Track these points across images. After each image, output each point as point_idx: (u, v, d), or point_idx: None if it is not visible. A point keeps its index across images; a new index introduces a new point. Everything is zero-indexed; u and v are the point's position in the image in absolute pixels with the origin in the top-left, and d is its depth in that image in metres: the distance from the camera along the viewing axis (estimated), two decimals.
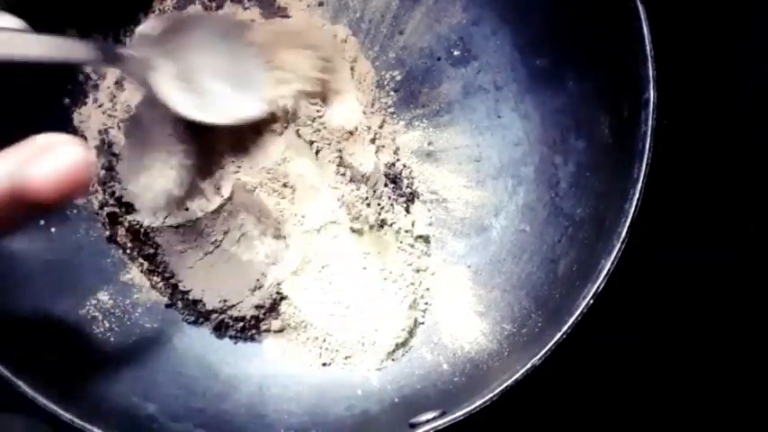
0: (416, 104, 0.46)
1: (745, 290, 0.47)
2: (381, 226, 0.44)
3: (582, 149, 0.41)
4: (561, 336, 0.33)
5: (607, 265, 0.34)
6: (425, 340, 0.43)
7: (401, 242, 0.44)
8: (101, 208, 0.42)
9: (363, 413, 0.40)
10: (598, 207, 0.39)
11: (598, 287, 0.34)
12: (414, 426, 0.34)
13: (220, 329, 0.42)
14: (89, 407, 0.33)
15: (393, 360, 0.42)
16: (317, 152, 0.43)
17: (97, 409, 0.34)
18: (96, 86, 0.44)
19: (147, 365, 0.40)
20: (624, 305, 0.42)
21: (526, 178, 0.44)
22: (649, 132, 0.35)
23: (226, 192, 0.42)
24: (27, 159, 0.23)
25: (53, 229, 0.41)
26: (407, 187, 0.45)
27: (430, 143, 0.46)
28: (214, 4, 0.45)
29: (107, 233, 0.43)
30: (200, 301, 0.42)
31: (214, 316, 0.42)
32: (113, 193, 0.42)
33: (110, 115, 0.43)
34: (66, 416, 0.32)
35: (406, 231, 0.44)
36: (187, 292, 0.42)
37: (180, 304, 0.43)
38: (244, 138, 0.42)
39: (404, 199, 0.45)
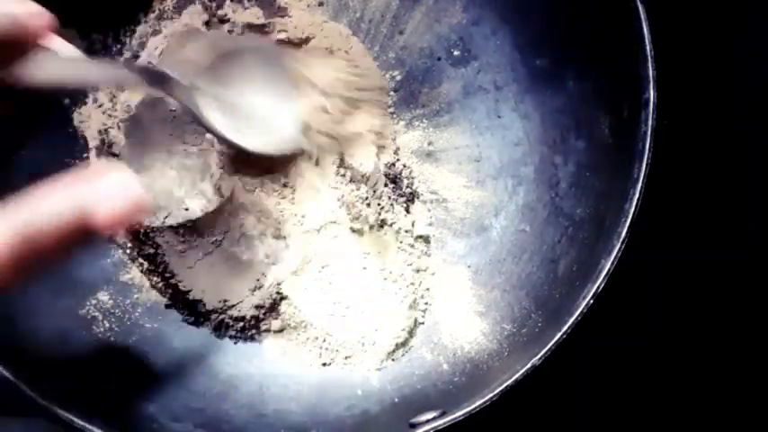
0: (416, 104, 0.46)
1: (745, 290, 0.47)
2: (381, 226, 0.44)
3: (582, 149, 0.41)
4: (561, 336, 0.33)
5: (607, 265, 0.34)
6: (425, 340, 0.43)
7: (401, 242, 0.44)
8: None
9: (363, 413, 0.40)
10: (598, 207, 0.39)
11: (598, 287, 0.34)
12: (414, 426, 0.34)
13: (220, 329, 0.42)
14: (89, 407, 0.33)
15: (393, 360, 0.42)
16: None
17: (97, 409, 0.34)
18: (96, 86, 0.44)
19: (148, 366, 0.40)
20: (624, 305, 0.42)
21: (526, 178, 0.44)
22: (649, 132, 0.35)
23: (226, 192, 0.42)
24: (93, 190, 0.25)
25: None
26: (407, 187, 0.45)
27: (430, 143, 0.46)
28: (214, 4, 0.45)
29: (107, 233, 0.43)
30: (200, 301, 0.42)
31: (214, 316, 0.42)
32: None
33: (110, 115, 0.43)
34: (67, 416, 0.32)
35: (406, 231, 0.44)
36: (187, 292, 0.42)
37: (180, 304, 0.43)
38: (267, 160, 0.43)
39: (404, 199, 0.45)
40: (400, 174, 0.45)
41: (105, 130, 0.43)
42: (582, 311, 0.33)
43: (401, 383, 0.41)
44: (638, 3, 0.35)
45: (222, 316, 0.42)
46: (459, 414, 0.32)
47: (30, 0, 0.29)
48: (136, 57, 0.44)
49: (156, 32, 0.44)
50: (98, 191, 0.25)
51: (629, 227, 0.34)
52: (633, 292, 0.42)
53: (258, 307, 0.42)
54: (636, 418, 0.47)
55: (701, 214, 0.47)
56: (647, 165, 0.35)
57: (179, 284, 0.42)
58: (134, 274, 0.43)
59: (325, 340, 0.42)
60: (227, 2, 0.45)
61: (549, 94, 0.43)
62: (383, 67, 0.46)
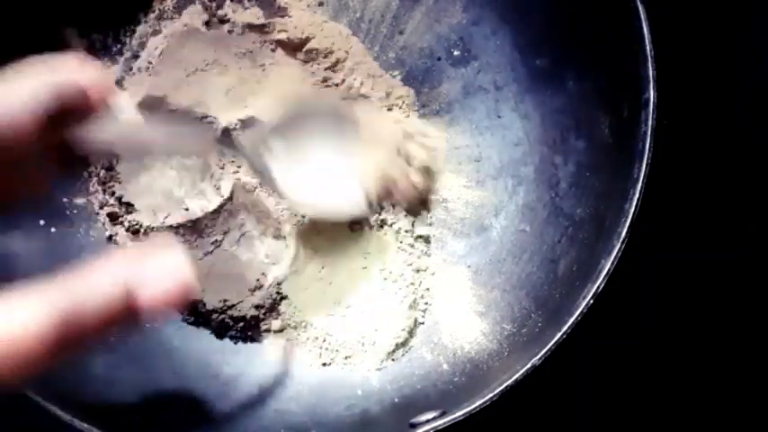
0: (416, 104, 0.46)
1: (745, 290, 0.47)
2: (381, 226, 0.44)
3: (582, 149, 0.41)
4: (561, 336, 0.33)
5: (607, 265, 0.34)
6: (425, 340, 0.43)
7: (401, 242, 0.44)
8: (101, 208, 0.42)
9: (363, 413, 0.40)
10: (598, 207, 0.39)
11: (598, 287, 0.34)
12: (414, 426, 0.34)
13: (220, 329, 0.42)
14: (89, 407, 0.33)
15: (393, 360, 0.42)
16: None
17: (97, 409, 0.34)
18: None
19: (147, 365, 0.40)
20: (624, 305, 0.42)
21: (526, 178, 0.44)
22: (649, 132, 0.35)
23: (226, 192, 0.42)
24: (142, 269, 0.24)
25: (53, 229, 0.41)
26: None
27: None
28: (214, 4, 0.45)
29: (107, 233, 0.43)
30: (200, 301, 0.42)
31: (214, 316, 0.42)
32: (113, 193, 0.42)
33: None
34: (67, 416, 0.32)
35: (406, 231, 0.44)
36: None
37: None
38: None
39: None
40: None
41: None
42: (582, 311, 0.33)
43: (401, 383, 0.41)
44: (638, 3, 0.35)
45: (222, 316, 0.42)
46: (459, 414, 0.32)
47: (92, 63, 0.28)
48: (136, 57, 0.44)
49: (156, 32, 0.44)
50: (147, 270, 0.24)
51: (629, 227, 0.34)
52: (633, 292, 0.42)
53: (258, 307, 0.42)
54: (636, 418, 0.47)
55: (701, 214, 0.47)
56: (647, 165, 0.35)
57: None
58: None
59: (325, 340, 0.42)
60: (227, 2, 0.45)
61: (549, 94, 0.43)
62: (383, 67, 0.46)
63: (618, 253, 0.34)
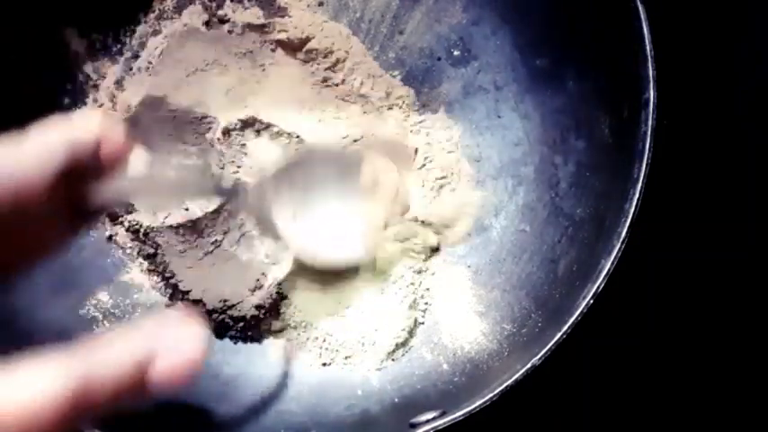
0: (416, 104, 0.46)
1: (745, 290, 0.47)
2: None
3: (582, 149, 0.41)
4: (561, 336, 0.33)
5: (607, 265, 0.34)
6: (425, 340, 0.43)
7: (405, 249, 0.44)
8: None
9: (363, 413, 0.40)
10: (598, 207, 0.39)
11: (598, 287, 0.34)
12: (414, 426, 0.34)
13: (220, 329, 0.42)
14: None
15: (393, 360, 0.42)
16: None
17: None
18: (96, 86, 0.44)
19: None
20: (624, 305, 0.42)
21: (526, 178, 0.44)
22: (649, 132, 0.35)
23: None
24: (159, 340, 0.24)
25: None
26: None
27: (430, 143, 0.46)
28: (214, 4, 0.45)
29: (107, 233, 0.43)
30: (201, 301, 0.42)
31: (214, 316, 0.42)
32: None
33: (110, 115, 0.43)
34: None
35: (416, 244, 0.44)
36: (187, 293, 0.42)
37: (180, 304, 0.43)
38: None
39: None
40: None
41: None
42: (582, 311, 0.33)
43: (401, 383, 0.41)
44: (638, 3, 0.35)
45: (222, 316, 0.42)
46: (459, 414, 0.32)
47: (110, 118, 0.29)
48: (136, 57, 0.44)
49: (156, 32, 0.44)
50: (165, 345, 0.24)
51: (629, 227, 0.34)
52: (633, 292, 0.42)
53: (258, 307, 0.42)
54: (636, 419, 0.47)
55: (701, 214, 0.47)
56: (647, 165, 0.35)
57: (179, 284, 0.42)
58: (134, 274, 0.43)
59: (325, 340, 0.42)
60: (227, 2, 0.45)
61: (549, 94, 0.43)
62: (383, 67, 0.46)
63: (618, 253, 0.34)
